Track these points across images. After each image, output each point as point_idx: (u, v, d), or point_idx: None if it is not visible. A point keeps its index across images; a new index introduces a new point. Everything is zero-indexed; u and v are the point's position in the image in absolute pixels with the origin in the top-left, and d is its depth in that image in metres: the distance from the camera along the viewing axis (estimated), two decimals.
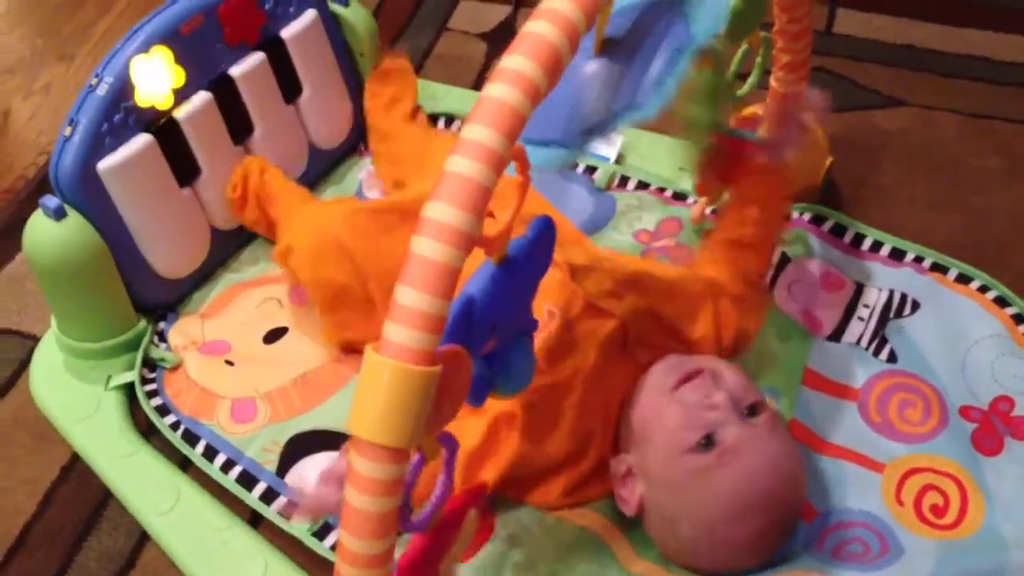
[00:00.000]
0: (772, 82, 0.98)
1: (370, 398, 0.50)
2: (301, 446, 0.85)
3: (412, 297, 0.50)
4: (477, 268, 0.57)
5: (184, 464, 0.86)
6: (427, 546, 0.56)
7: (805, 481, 0.77)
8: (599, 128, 0.64)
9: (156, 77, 0.90)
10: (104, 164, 0.87)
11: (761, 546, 0.73)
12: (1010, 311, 0.90)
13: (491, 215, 0.56)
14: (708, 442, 0.71)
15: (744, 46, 0.89)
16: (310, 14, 1.02)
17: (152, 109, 0.90)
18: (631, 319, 0.79)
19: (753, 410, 0.74)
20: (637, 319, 0.80)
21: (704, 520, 0.72)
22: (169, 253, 0.94)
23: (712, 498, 0.72)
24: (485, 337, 0.56)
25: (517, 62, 0.53)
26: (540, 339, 0.76)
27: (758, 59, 0.91)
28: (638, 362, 0.79)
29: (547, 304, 0.78)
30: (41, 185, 1.13)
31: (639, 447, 0.76)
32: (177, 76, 0.91)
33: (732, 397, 0.73)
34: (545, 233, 0.58)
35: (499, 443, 0.76)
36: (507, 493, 0.79)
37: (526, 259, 0.57)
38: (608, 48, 0.68)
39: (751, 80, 0.91)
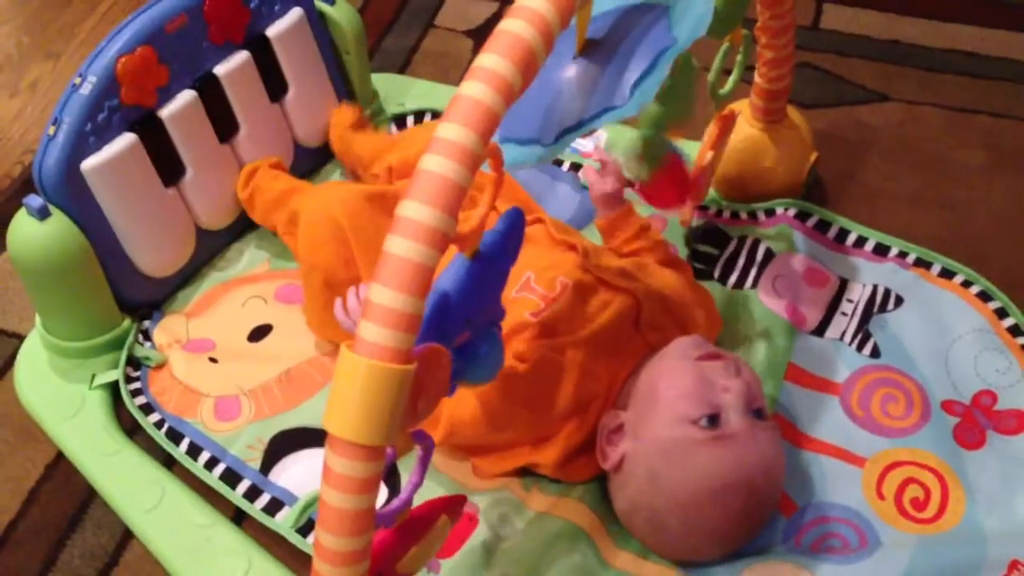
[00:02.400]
0: (756, 78, 0.99)
1: (345, 396, 0.51)
2: (285, 443, 0.86)
3: (387, 296, 0.50)
4: (450, 261, 0.57)
5: (168, 462, 0.86)
6: (388, 542, 0.57)
7: (779, 497, 0.77)
8: (576, 128, 0.64)
9: None
10: (88, 163, 0.87)
11: (724, 536, 0.74)
12: (993, 305, 0.91)
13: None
14: (711, 421, 0.72)
15: (726, 43, 0.89)
16: (296, 12, 1.02)
17: (136, 108, 0.90)
18: (644, 297, 0.80)
19: (759, 413, 0.74)
20: (649, 298, 0.81)
21: (679, 493, 0.72)
22: (154, 252, 0.94)
23: (694, 474, 0.72)
24: (459, 330, 0.56)
25: (491, 61, 0.54)
26: (552, 308, 0.77)
27: (739, 56, 0.91)
28: (648, 341, 0.80)
29: (560, 276, 0.79)
30: (27, 183, 1.13)
31: (641, 405, 0.76)
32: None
33: (747, 392, 0.74)
34: (515, 225, 0.58)
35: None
36: (506, 465, 0.80)
37: (498, 252, 0.58)
38: (588, 49, 0.69)
39: (733, 77, 0.91)
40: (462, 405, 0.77)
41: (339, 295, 0.86)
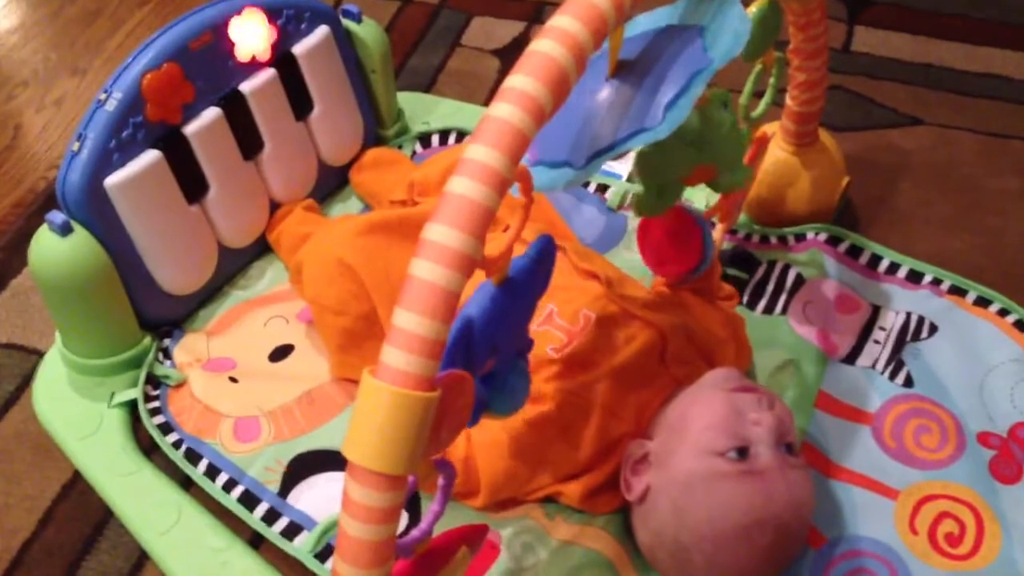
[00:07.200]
0: (788, 100, 0.97)
1: (366, 424, 0.49)
2: (304, 466, 0.84)
3: (411, 321, 0.49)
4: (476, 288, 0.56)
5: (186, 483, 0.85)
6: (407, 573, 0.55)
7: (807, 534, 0.75)
8: (608, 151, 0.63)
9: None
10: (111, 180, 0.86)
11: (749, 574, 0.72)
12: None
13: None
14: (740, 454, 0.70)
15: (758, 65, 0.88)
16: (322, 30, 1.01)
17: (161, 124, 0.89)
18: (669, 331, 0.79)
19: (789, 448, 0.72)
20: (675, 332, 0.79)
21: (703, 528, 0.70)
22: (176, 270, 0.93)
23: (720, 509, 0.70)
24: (484, 359, 0.55)
25: (522, 81, 0.52)
26: (575, 343, 0.76)
27: (771, 79, 0.90)
28: (675, 376, 0.79)
29: (584, 309, 0.78)
30: (50, 199, 1.13)
31: (668, 435, 0.74)
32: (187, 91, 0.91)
33: (779, 427, 0.72)
34: (546, 253, 0.57)
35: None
36: (529, 497, 0.79)
37: (526, 280, 0.56)
38: (621, 71, 0.67)
39: (765, 100, 0.90)
40: (496, 465, 0.76)
41: (355, 332, 0.85)
